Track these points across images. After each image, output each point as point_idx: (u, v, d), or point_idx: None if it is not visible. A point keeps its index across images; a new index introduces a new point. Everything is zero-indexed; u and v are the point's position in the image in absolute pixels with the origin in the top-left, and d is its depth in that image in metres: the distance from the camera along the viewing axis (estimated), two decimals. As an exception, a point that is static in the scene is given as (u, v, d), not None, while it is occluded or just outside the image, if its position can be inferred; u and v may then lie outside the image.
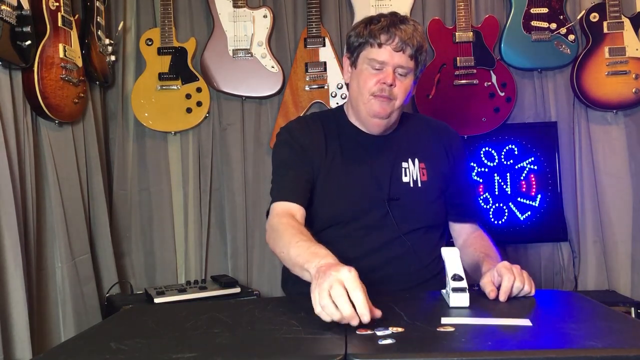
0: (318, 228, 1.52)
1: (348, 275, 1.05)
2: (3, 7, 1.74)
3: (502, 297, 1.22)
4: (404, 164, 1.56)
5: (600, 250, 2.61)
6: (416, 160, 1.57)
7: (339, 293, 1.02)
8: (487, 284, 1.26)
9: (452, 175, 1.60)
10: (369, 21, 1.51)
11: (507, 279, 1.23)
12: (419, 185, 1.55)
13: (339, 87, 2.56)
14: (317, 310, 1.04)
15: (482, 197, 2.60)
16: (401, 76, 1.49)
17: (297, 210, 1.46)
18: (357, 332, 1.00)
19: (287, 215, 1.44)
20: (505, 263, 1.28)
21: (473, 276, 1.47)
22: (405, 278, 1.52)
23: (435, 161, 1.59)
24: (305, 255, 1.22)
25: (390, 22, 1.47)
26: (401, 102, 1.51)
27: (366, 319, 1.01)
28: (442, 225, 1.65)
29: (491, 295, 1.23)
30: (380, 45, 1.46)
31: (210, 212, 2.65)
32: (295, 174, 1.51)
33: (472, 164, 2.61)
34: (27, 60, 1.90)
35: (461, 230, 1.66)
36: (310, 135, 1.56)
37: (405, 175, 1.55)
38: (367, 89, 1.49)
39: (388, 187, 1.52)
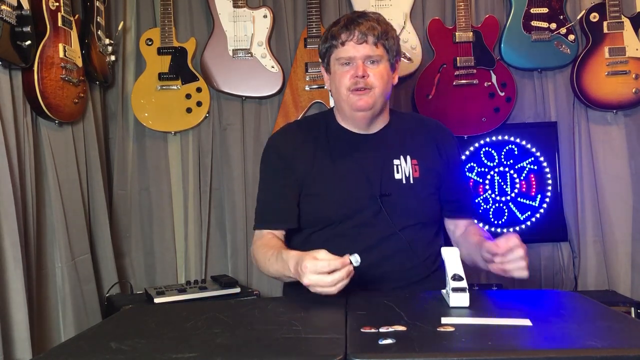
0: (313, 228, 1.53)
1: (307, 275, 1.23)
2: (3, 7, 1.74)
3: (501, 249, 1.29)
4: (396, 161, 1.57)
5: (600, 250, 2.61)
6: (408, 157, 1.58)
7: (318, 287, 1.23)
8: (491, 246, 1.31)
9: (445, 173, 1.61)
10: (331, 25, 1.57)
11: (513, 241, 1.30)
12: (411, 181, 1.56)
13: (339, 87, 2.56)
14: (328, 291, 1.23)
15: (482, 197, 2.60)
16: (372, 64, 1.51)
17: (272, 235, 1.58)
18: (362, 330, 1.00)
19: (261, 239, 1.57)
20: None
21: (473, 257, 1.50)
22: (402, 275, 1.53)
23: (428, 158, 1.60)
24: (280, 266, 1.39)
25: (348, 19, 1.52)
26: (381, 90, 1.52)
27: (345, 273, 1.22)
28: (437, 223, 1.65)
29: (493, 248, 1.30)
30: (343, 43, 1.51)
31: (210, 212, 2.65)
32: (275, 194, 1.58)
33: (472, 164, 2.61)
34: (27, 60, 1.90)
35: (457, 226, 1.67)
36: (293, 143, 1.59)
37: (397, 172, 1.56)
38: (343, 85, 1.52)
39: (379, 183, 1.53)
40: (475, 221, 1.70)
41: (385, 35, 1.52)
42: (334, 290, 1.22)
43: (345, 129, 1.61)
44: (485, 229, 1.66)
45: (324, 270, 1.21)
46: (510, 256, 1.30)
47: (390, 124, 1.63)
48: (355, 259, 1.24)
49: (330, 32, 1.54)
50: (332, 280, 1.21)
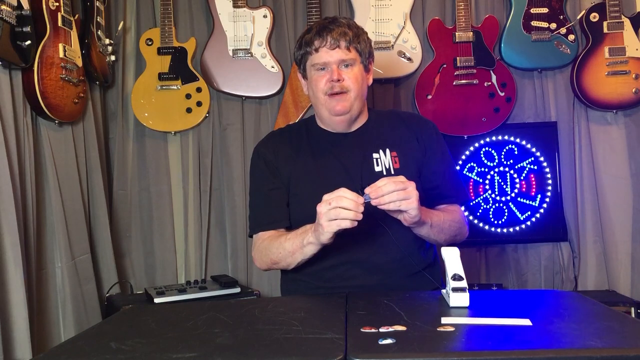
0: (299, 227, 1.54)
1: (322, 211, 1.30)
2: (3, 7, 1.74)
3: (368, 190, 1.31)
4: (375, 155, 1.60)
5: (600, 250, 2.61)
6: (387, 150, 1.60)
7: (335, 215, 1.29)
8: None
9: (424, 161, 1.62)
10: (304, 33, 1.61)
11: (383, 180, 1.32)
12: (392, 172, 1.58)
13: (339, 87, 2.56)
14: (347, 222, 1.29)
15: (482, 197, 2.61)
16: (347, 68, 1.56)
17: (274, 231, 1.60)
18: (362, 330, 1.00)
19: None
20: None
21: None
22: (392, 267, 1.53)
23: (407, 149, 1.62)
24: (297, 239, 1.44)
25: (320, 26, 1.57)
26: (356, 92, 1.56)
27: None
28: None
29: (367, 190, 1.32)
30: (317, 49, 1.55)
31: (210, 212, 2.65)
32: (262, 197, 1.62)
33: (472, 164, 2.61)
34: (27, 60, 1.90)
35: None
36: (275, 148, 1.65)
37: (377, 165, 1.59)
38: (320, 90, 1.57)
39: (360, 177, 1.56)
40: (462, 208, 1.70)
41: (356, 38, 1.56)
42: (359, 211, 1.28)
43: (325, 130, 1.66)
44: (461, 212, 1.65)
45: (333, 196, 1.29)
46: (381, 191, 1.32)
47: (368, 121, 1.67)
48: (366, 198, 1.31)
49: (303, 40, 1.59)
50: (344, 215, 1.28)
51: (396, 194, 1.31)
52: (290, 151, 1.64)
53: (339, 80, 1.54)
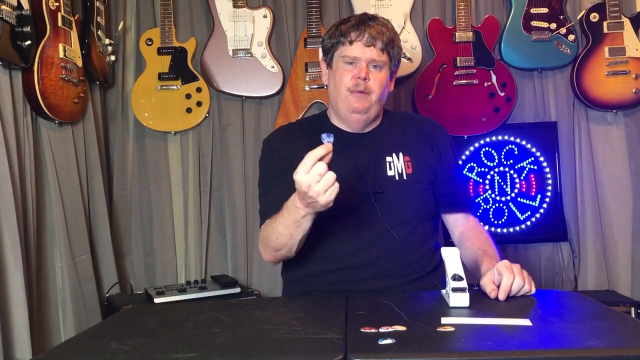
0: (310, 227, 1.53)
1: (301, 189, 1.26)
2: (3, 7, 1.74)
3: (502, 296, 1.23)
4: (388, 158, 1.58)
5: (600, 250, 2.61)
6: (400, 154, 1.58)
7: (315, 192, 1.24)
8: (487, 283, 1.26)
9: (438, 168, 1.61)
10: (340, 22, 1.58)
11: (507, 277, 1.24)
12: (405, 177, 1.56)
13: (339, 87, 2.56)
14: (328, 194, 1.25)
15: (482, 197, 2.60)
16: (375, 69, 1.54)
17: None
18: (362, 330, 1.00)
19: None
20: (505, 262, 1.29)
21: (472, 272, 1.48)
22: (399, 272, 1.53)
23: (420, 154, 1.60)
24: (286, 217, 1.38)
25: (360, 20, 1.54)
26: (377, 95, 1.54)
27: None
28: (433, 219, 1.65)
29: (492, 294, 1.24)
30: (351, 42, 1.52)
31: (210, 212, 2.65)
32: (275, 189, 1.56)
33: (472, 164, 2.61)
34: (27, 60, 1.90)
35: (456, 222, 1.66)
36: (288, 143, 1.61)
37: (390, 169, 1.57)
38: (343, 84, 1.54)
39: (372, 181, 1.54)
40: (472, 216, 1.68)
41: (391, 43, 1.54)
42: (320, 188, 1.23)
43: (338, 129, 1.63)
44: (482, 227, 1.64)
45: (307, 166, 1.23)
46: (511, 290, 1.26)
47: (382, 123, 1.66)
48: (328, 139, 1.27)
49: (339, 29, 1.55)
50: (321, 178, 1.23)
51: (520, 282, 1.25)
52: (303, 147, 1.58)
53: (365, 79, 1.51)
